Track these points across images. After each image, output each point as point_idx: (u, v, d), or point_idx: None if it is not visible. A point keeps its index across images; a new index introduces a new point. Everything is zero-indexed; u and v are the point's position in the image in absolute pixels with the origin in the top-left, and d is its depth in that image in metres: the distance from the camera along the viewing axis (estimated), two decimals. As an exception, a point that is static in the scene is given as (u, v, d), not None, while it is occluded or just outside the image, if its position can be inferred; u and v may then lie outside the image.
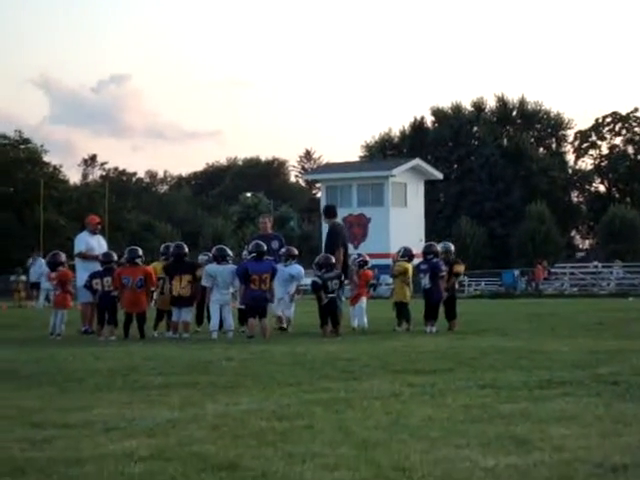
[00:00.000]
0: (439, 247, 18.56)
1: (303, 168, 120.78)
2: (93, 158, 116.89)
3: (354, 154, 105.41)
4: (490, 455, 5.47)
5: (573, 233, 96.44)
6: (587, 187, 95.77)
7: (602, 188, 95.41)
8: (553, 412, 7.05)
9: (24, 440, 6.14)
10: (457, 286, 19.56)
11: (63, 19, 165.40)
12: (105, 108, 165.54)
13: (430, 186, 75.08)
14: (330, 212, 19.22)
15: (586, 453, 5.49)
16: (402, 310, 18.40)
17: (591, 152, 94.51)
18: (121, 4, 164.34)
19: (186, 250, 17.91)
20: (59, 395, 8.54)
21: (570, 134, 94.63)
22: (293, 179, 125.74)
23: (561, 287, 58.44)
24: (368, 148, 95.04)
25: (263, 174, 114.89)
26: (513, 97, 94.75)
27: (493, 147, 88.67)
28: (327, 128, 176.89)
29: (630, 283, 56.30)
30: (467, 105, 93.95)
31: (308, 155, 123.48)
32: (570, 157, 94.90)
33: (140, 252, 17.60)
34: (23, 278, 44.73)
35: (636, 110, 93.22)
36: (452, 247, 19.06)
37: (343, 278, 17.33)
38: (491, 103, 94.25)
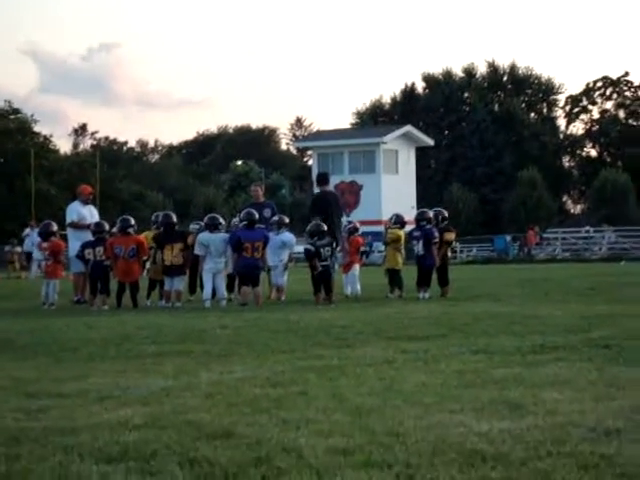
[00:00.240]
0: (431, 214, 18.54)
1: (294, 136, 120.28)
2: (83, 127, 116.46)
3: (345, 121, 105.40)
4: (484, 420, 5.48)
5: (565, 198, 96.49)
6: (578, 152, 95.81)
7: (593, 153, 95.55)
8: (546, 377, 7.07)
9: (19, 410, 6.15)
10: (449, 254, 19.56)
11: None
12: (95, 77, 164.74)
13: (421, 152, 75.09)
14: (322, 179, 19.11)
15: (579, 417, 5.51)
16: (394, 277, 18.43)
17: (582, 117, 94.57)
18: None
19: (174, 219, 17.86)
20: (54, 365, 8.54)
21: (561, 99, 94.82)
22: (284, 147, 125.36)
23: (553, 252, 58.53)
24: (359, 115, 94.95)
25: (254, 142, 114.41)
26: (504, 62, 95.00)
27: (484, 113, 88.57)
28: (318, 95, 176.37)
29: (622, 247, 56.42)
30: (458, 71, 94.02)
31: (299, 122, 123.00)
32: (561, 122, 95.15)
33: (132, 222, 17.55)
34: (18, 249, 44.51)
35: (627, 74, 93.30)
36: (445, 213, 19.02)
37: (335, 245, 17.33)
38: (482, 69, 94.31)
